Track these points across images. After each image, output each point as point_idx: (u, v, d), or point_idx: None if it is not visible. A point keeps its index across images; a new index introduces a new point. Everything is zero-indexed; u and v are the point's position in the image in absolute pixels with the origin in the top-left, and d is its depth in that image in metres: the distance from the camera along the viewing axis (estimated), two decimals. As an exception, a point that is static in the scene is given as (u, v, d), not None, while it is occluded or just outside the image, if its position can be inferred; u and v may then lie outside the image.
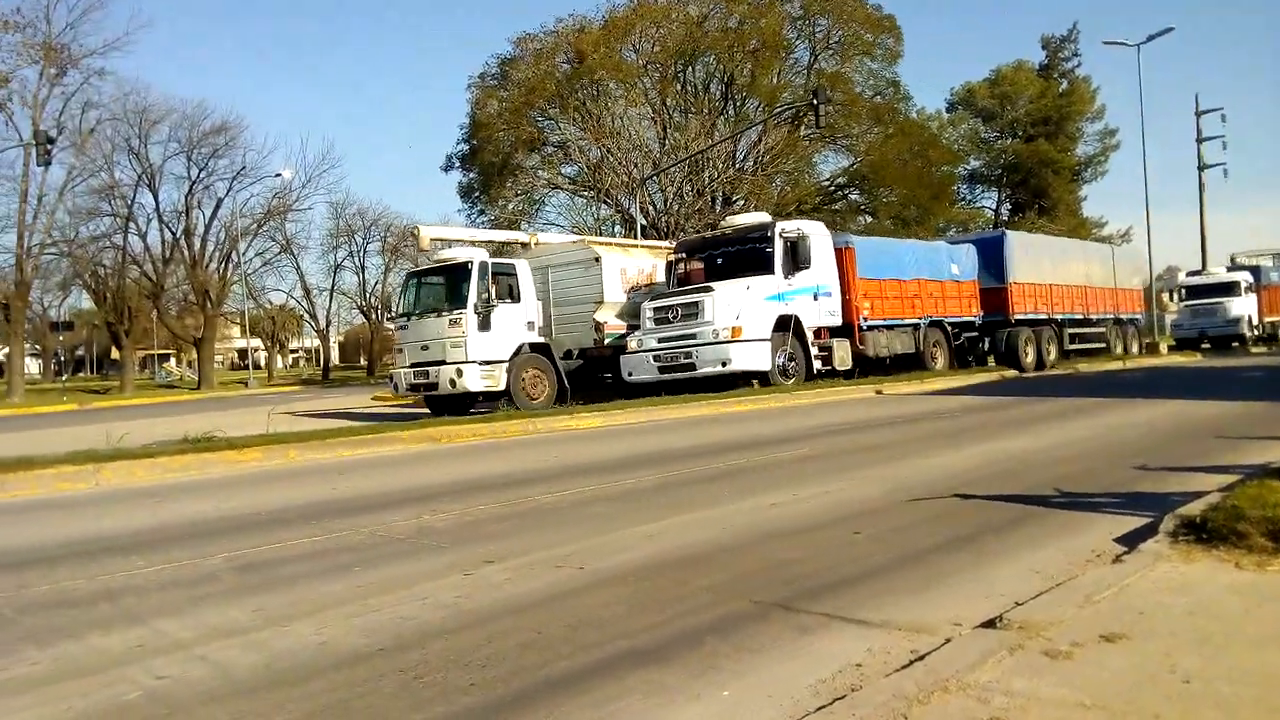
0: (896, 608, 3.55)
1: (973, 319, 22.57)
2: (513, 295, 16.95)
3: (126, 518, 6.69)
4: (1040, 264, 24.63)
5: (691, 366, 16.57)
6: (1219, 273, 36.86)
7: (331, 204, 46.62)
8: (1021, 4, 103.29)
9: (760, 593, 3.84)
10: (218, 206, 46.99)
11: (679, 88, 42.15)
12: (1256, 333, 34.66)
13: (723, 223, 21.42)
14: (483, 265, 16.59)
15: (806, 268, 17.39)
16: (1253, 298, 34.64)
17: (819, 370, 17.64)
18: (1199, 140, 38.73)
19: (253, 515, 6.51)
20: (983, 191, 63.21)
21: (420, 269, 19.00)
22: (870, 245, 20.69)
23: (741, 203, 40.26)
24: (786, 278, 17.19)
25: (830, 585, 3.90)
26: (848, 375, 18.20)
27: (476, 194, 46.23)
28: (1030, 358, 23.39)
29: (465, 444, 10.92)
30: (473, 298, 16.22)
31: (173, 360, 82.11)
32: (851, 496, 6.07)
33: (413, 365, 16.95)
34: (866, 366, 19.22)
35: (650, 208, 38.70)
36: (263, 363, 71.18)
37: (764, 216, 19.72)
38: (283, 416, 18.14)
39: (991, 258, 23.22)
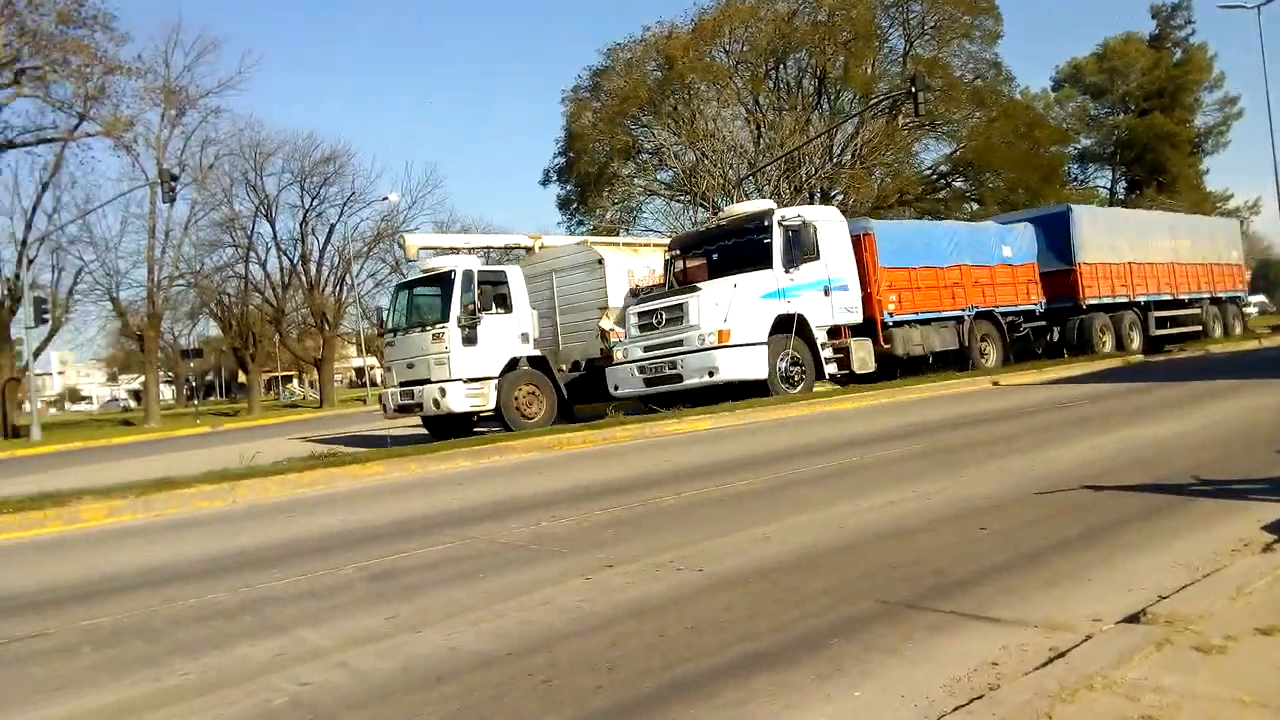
0: (1029, 605, 3.43)
1: (1033, 306, 20.14)
2: (504, 305, 15.62)
3: (262, 532, 7.00)
4: (1116, 241, 22.22)
5: (678, 377, 14.84)
6: None
7: (436, 223, 47.99)
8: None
9: (883, 592, 3.77)
10: (330, 232, 48.89)
11: (771, 85, 41.83)
12: None
13: (722, 212, 18.93)
14: (467, 274, 15.26)
15: (814, 259, 15.47)
16: None
17: (834, 375, 15.75)
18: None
19: (379, 526, 6.73)
20: (1095, 170, 60.71)
21: (407, 280, 17.84)
22: (895, 230, 18.68)
23: (840, 197, 39.66)
24: (788, 271, 15.22)
25: (957, 583, 3.80)
26: (870, 380, 16.20)
27: (574, 205, 46.86)
28: (1108, 347, 21.13)
29: (577, 450, 11.05)
30: (455, 310, 14.93)
31: (295, 381, 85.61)
32: (973, 492, 5.89)
33: (400, 385, 15.74)
34: (899, 368, 17.42)
35: (748, 208, 38.50)
36: (379, 380, 73.56)
37: (765, 204, 17.54)
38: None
39: (1056, 237, 20.89)
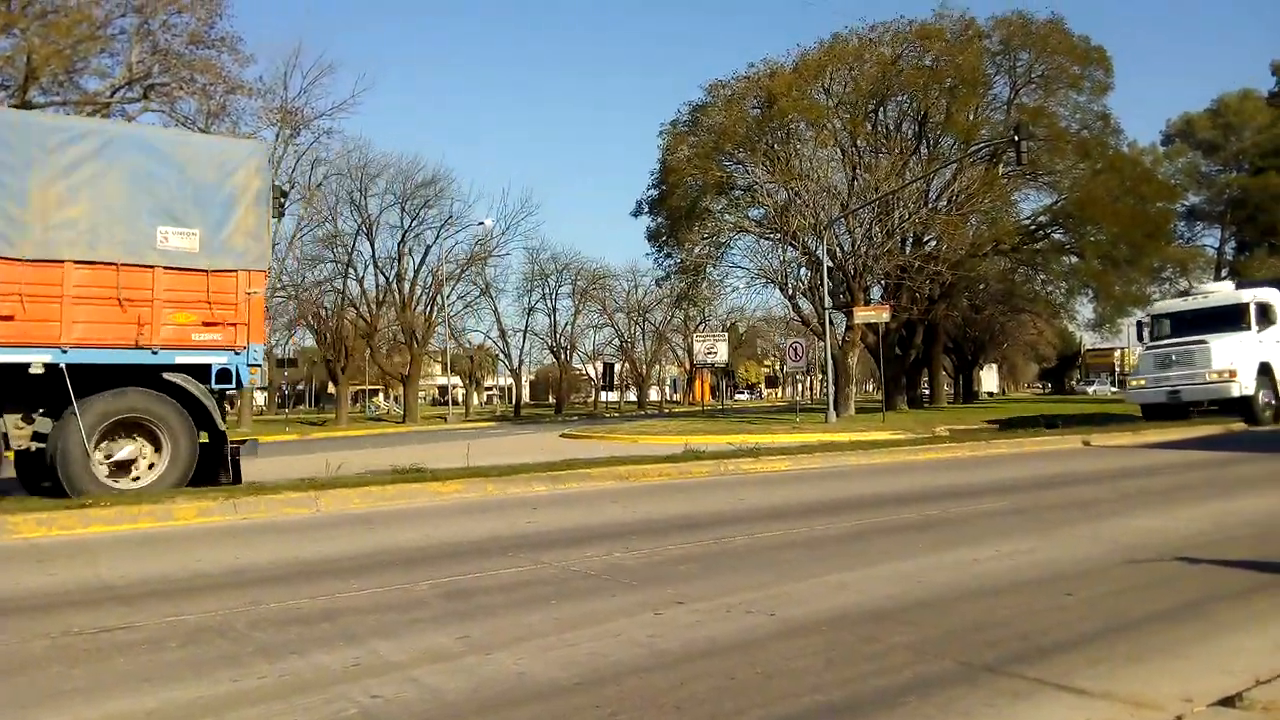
0: (1116, 678, 3.29)
1: None
2: None
3: (344, 542, 7.16)
4: None
5: None
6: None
7: (527, 249, 49.45)
8: (1245, 31, 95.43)
9: (964, 653, 3.66)
10: (426, 253, 50.52)
11: (870, 128, 41.49)
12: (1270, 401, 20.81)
13: None
14: None
15: None
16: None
17: None
18: None
19: (456, 545, 6.81)
20: (1204, 229, 58.55)
21: None
22: None
23: (934, 243, 39.02)
24: None
25: (1042, 649, 3.67)
26: None
27: (664, 238, 47.05)
28: None
29: (653, 483, 11.04)
30: None
31: (381, 395, 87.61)
32: (1060, 555, 5.69)
33: None
34: None
35: (838, 250, 38.18)
36: (460, 399, 74.87)
37: None
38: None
39: None
